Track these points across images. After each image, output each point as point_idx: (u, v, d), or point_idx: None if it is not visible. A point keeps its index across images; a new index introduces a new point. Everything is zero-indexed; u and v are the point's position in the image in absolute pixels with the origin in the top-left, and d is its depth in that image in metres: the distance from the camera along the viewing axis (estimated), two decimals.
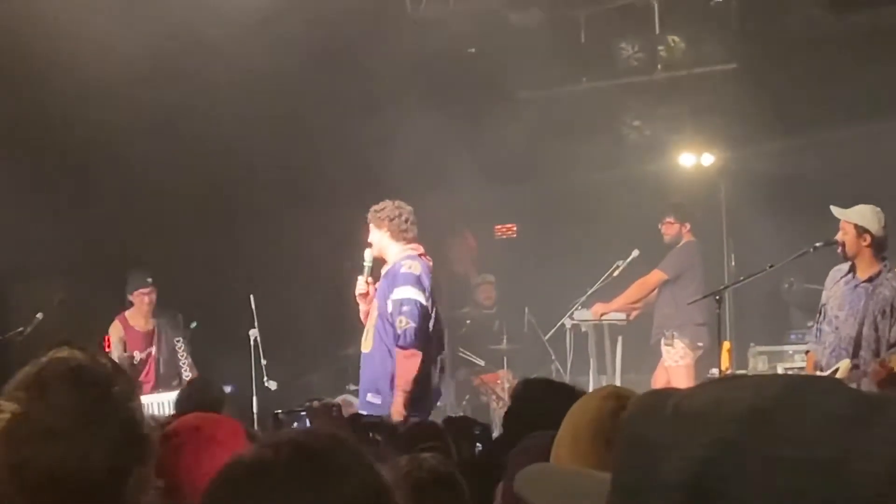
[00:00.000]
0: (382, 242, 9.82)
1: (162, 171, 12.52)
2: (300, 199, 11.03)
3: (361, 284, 9.83)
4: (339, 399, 11.99)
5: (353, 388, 13.97)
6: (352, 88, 12.66)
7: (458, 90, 13.66)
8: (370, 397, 9.59)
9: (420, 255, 9.77)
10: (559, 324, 13.36)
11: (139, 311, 12.49)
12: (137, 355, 12.44)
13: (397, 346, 9.43)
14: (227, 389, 11.78)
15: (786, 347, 12.65)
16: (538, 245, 14.84)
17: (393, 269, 9.68)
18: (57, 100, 11.18)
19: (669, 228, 12.85)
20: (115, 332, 12.56)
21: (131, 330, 12.54)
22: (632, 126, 14.42)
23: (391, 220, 9.79)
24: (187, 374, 12.23)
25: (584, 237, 13.67)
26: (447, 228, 15.62)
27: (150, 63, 11.33)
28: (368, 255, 9.85)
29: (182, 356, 12.54)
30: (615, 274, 13.05)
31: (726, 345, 11.17)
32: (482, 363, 14.52)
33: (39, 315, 11.57)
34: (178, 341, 12.57)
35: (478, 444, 5.89)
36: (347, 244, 13.97)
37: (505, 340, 14.27)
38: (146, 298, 12.36)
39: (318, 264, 10.29)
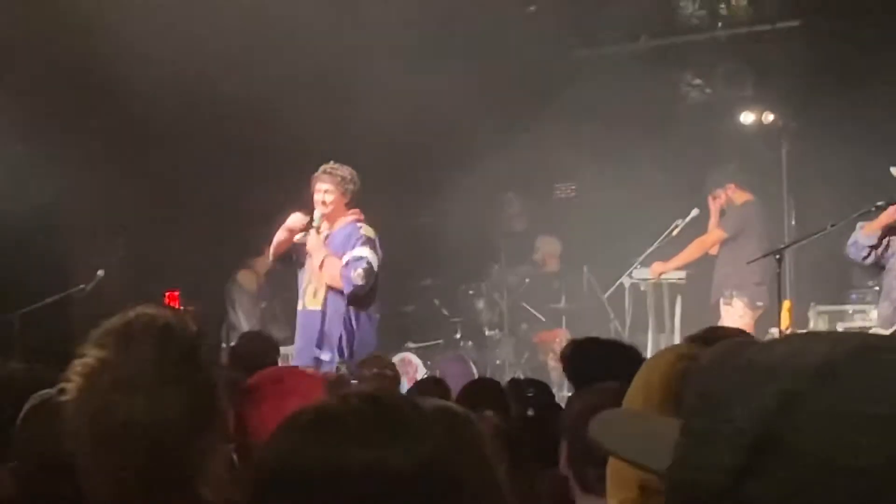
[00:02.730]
0: (337, 205, 10.02)
1: (222, 129, 12.61)
2: (355, 151, 11.04)
3: (316, 242, 10.01)
4: (397, 357, 12.09)
5: (412, 345, 14.07)
6: (406, 45, 12.62)
7: (517, 48, 13.60)
8: (320, 354, 9.88)
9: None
10: (618, 283, 13.34)
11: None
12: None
13: (349, 293, 9.80)
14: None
15: (846, 307, 12.54)
16: (597, 204, 14.78)
17: (348, 229, 9.98)
18: (119, 61, 11.24)
19: (718, 201, 12.84)
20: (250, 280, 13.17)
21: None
22: (692, 84, 14.34)
23: (354, 186, 10.05)
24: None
25: (644, 196, 13.60)
26: (506, 187, 15.61)
27: (211, 28, 11.38)
28: (319, 214, 10.02)
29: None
30: (674, 233, 13.01)
31: (787, 304, 11.11)
32: (543, 319, 14.50)
33: (101, 272, 11.66)
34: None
35: (529, 409, 5.87)
36: (405, 199, 14.04)
37: (564, 299, 14.25)
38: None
39: (377, 222, 10.30)
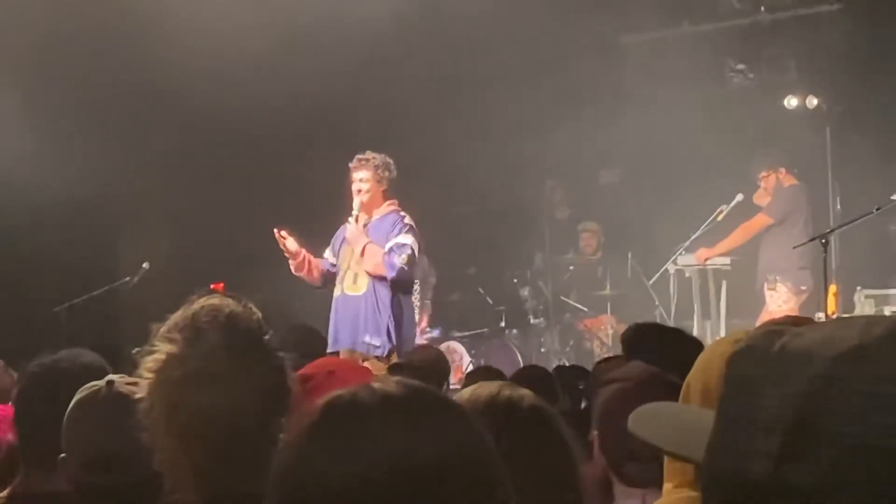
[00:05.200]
0: (374, 193, 10.05)
1: (268, 121, 12.66)
2: (399, 141, 11.08)
3: (356, 230, 10.00)
4: (442, 346, 12.10)
5: (457, 334, 14.09)
6: (446, 29, 12.63)
7: (560, 35, 13.57)
8: (370, 339, 9.88)
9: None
10: (663, 269, 13.31)
11: None
12: None
13: (391, 278, 9.80)
14: None
15: (893, 291, 12.46)
16: (641, 190, 14.76)
17: (390, 218, 10.00)
18: (165, 54, 11.32)
19: (767, 181, 12.80)
20: None
21: None
22: (735, 69, 14.28)
23: (389, 173, 10.09)
24: None
25: (688, 182, 13.55)
26: (549, 174, 15.58)
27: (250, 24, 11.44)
28: (358, 203, 10.02)
29: None
30: (719, 219, 12.96)
31: (833, 289, 11.07)
32: (585, 309, 14.48)
33: (146, 264, 11.74)
34: None
35: (583, 401, 5.86)
36: (448, 188, 14.06)
37: (608, 286, 14.22)
38: None
39: (420, 211, 10.34)
